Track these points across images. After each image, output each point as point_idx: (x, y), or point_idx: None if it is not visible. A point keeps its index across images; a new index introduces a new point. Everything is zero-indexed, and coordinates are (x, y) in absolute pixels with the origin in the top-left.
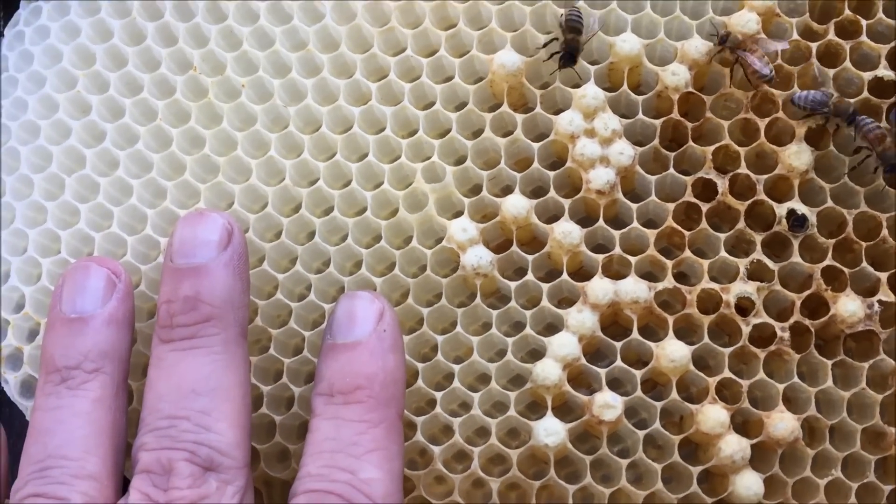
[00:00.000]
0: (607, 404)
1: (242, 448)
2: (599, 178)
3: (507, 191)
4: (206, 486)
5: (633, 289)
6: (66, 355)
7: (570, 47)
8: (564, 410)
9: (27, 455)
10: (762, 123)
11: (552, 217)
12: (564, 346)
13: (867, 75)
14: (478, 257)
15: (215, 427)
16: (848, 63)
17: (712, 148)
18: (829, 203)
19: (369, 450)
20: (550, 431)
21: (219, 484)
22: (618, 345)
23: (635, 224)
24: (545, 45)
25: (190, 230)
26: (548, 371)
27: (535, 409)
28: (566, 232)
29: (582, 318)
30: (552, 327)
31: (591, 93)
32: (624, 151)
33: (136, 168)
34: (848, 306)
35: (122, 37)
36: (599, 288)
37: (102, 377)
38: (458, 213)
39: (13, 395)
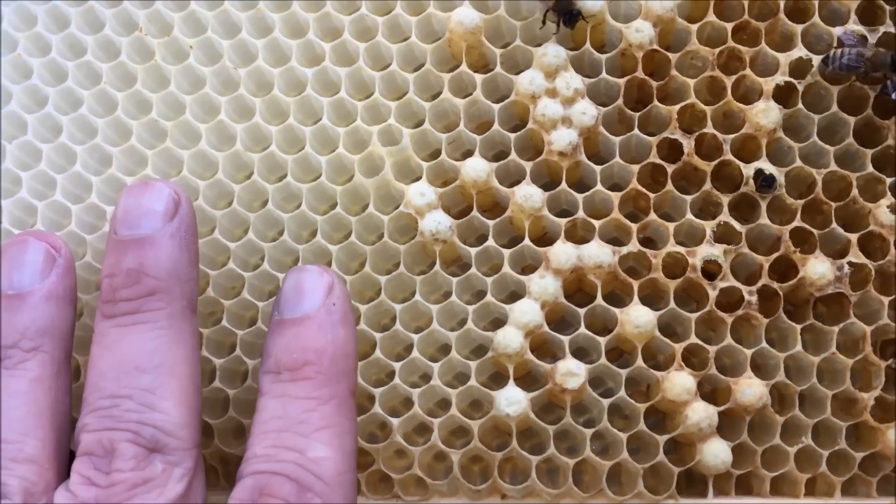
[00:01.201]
0: (570, 372)
1: (190, 428)
2: (561, 139)
3: (467, 155)
4: (150, 469)
5: (597, 253)
6: (3, 333)
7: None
8: (528, 381)
9: None
10: (729, 81)
11: (514, 182)
12: (526, 312)
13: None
14: (436, 222)
15: (160, 406)
16: (817, 18)
17: (678, 107)
18: (798, 163)
19: (318, 427)
20: (512, 401)
21: (165, 466)
22: (581, 311)
23: (599, 187)
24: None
25: (134, 200)
26: (509, 339)
27: (497, 379)
28: (527, 195)
29: (544, 284)
30: (515, 295)
31: (553, 51)
32: (587, 111)
33: (80, 134)
34: (817, 268)
35: None
36: (562, 252)
37: (41, 356)
38: (417, 179)
39: None
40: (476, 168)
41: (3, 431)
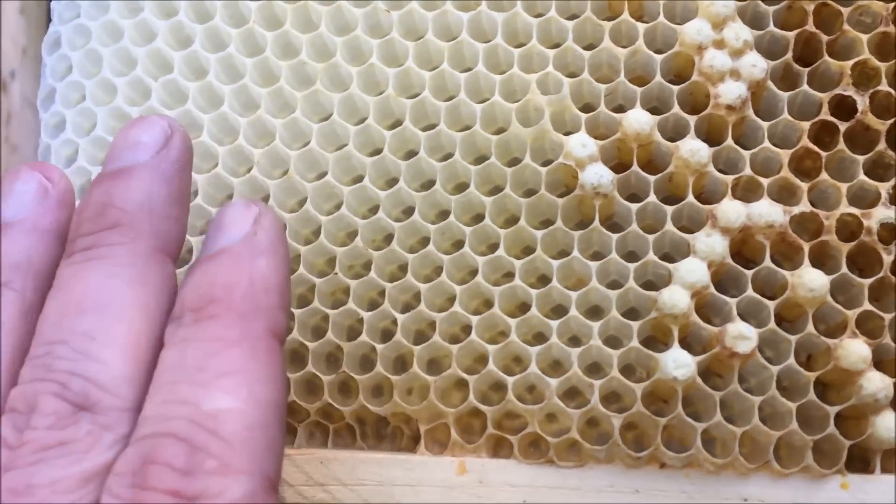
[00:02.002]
0: (742, 335)
1: (134, 385)
2: (730, 91)
3: (618, 109)
4: (72, 429)
5: (768, 211)
6: None
7: None
8: (683, 345)
9: None
10: None
11: (669, 137)
12: (694, 272)
13: None
14: (598, 175)
15: (98, 355)
16: None
17: (850, 63)
18: None
19: (221, 374)
20: (680, 363)
21: (92, 428)
22: (748, 273)
23: (766, 143)
24: None
25: (123, 133)
26: (676, 299)
27: (648, 343)
28: (694, 150)
29: (711, 243)
30: (668, 256)
31: (721, 1)
32: (757, 64)
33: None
34: None
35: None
36: (731, 210)
37: (9, 293)
38: (567, 132)
39: None
40: (640, 120)
41: None
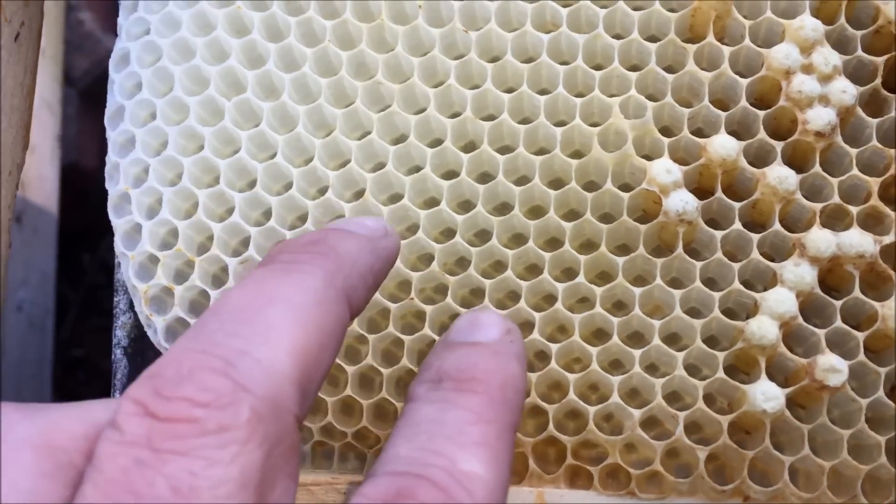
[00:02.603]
0: (833, 368)
1: (300, 390)
2: (819, 118)
3: (697, 133)
4: (230, 411)
5: (859, 241)
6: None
7: None
8: (767, 374)
9: None
10: None
11: (749, 164)
12: (783, 302)
13: None
14: (683, 202)
15: (277, 344)
16: None
17: None
18: None
19: (477, 443)
20: (769, 396)
21: (251, 416)
22: (837, 304)
23: (855, 171)
24: None
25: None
26: (765, 329)
27: (730, 373)
28: (782, 177)
29: (800, 273)
30: (748, 284)
31: (810, 24)
32: (847, 90)
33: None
34: None
35: None
36: (821, 239)
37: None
38: (646, 156)
39: (159, 342)
40: (726, 146)
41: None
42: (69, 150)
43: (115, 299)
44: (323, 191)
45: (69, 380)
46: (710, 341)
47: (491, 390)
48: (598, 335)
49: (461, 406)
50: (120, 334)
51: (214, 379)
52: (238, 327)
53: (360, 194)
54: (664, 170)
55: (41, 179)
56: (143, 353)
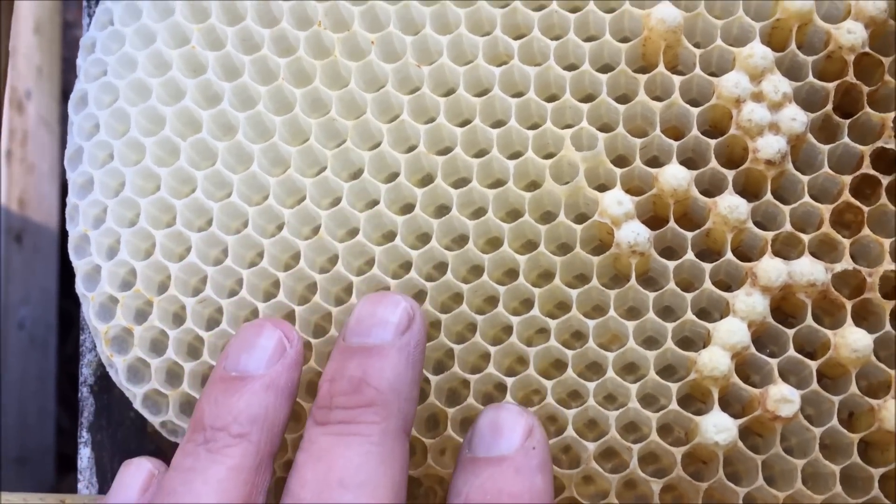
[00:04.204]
0: (784, 398)
1: None
2: (769, 146)
3: (655, 161)
4: None
5: (810, 270)
6: (215, 414)
7: None
8: (722, 403)
9: None
10: None
11: (705, 192)
12: (734, 333)
13: None
14: (635, 233)
15: None
16: None
17: (892, 115)
18: None
19: None
20: (721, 428)
21: None
22: (790, 332)
23: (806, 198)
24: None
25: (369, 308)
26: (716, 360)
27: (687, 403)
28: (732, 206)
29: (752, 303)
30: (704, 312)
31: (760, 52)
32: (797, 117)
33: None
34: None
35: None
36: (772, 269)
37: (246, 445)
38: (600, 187)
39: (120, 381)
40: (677, 176)
41: None
42: None
43: (82, 338)
44: (280, 227)
45: (75, 395)
46: (666, 371)
47: None
48: (557, 366)
49: None
50: (86, 372)
51: None
52: None
53: (316, 230)
54: (615, 201)
55: (41, 197)
56: (109, 391)
